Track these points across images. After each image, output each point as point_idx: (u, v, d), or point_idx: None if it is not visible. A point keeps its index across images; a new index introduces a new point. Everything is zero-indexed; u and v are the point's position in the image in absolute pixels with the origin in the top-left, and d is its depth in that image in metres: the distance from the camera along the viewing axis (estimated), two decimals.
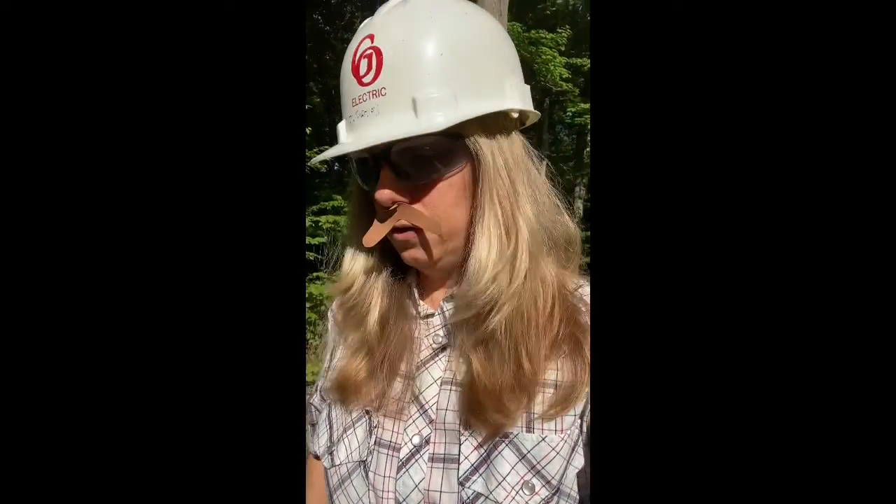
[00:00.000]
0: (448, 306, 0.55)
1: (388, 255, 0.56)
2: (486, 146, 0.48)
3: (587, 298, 0.53)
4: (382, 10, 0.49)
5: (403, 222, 0.49)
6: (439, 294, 0.57)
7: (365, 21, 0.50)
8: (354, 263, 0.56)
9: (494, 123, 0.48)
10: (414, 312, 0.56)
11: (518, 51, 0.55)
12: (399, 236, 0.50)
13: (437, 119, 0.45)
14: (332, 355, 0.63)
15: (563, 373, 0.50)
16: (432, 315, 0.56)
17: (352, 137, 0.48)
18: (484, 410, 0.48)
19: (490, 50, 0.49)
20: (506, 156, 0.49)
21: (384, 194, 0.48)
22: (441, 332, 0.55)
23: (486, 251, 0.47)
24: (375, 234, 0.50)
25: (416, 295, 0.57)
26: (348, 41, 0.51)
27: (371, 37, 0.47)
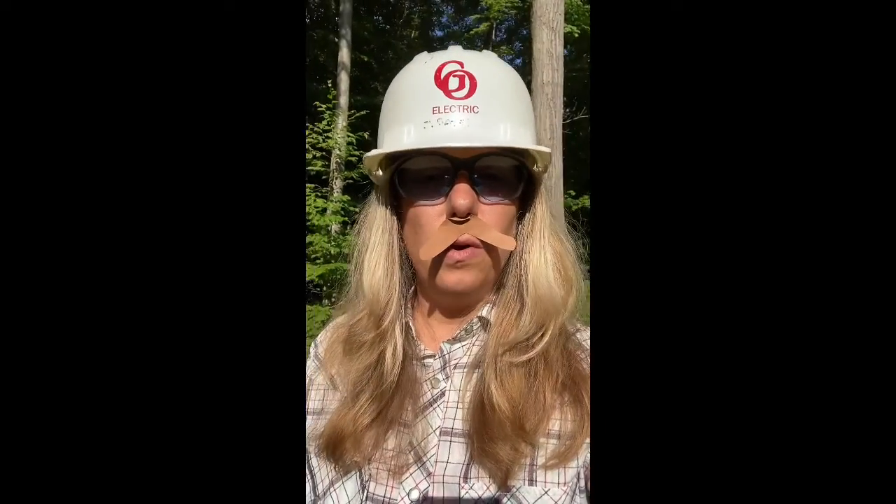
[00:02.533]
0: (451, 347, 0.54)
1: (403, 290, 0.55)
2: (541, 183, 0.55)
3: (585, 344, 0.54)
4: (457, 48, 0.54)
5: (467, 237, 0.49)
6: (439, 335, 0.55)
7: (434, 53, 0.55)
8: (378, 290, 0.53)
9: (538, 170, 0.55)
10: (412, 353, 0.54)
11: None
12: (458, 254, 0.49)
13: (529, 142, 0.52)
14: (309, 395, 0.59)
15: (565, 423, 0.49)
16: (431, 357, 0.54)
17: (434, 138, 0.49)
18: (501, 440, 0.47)
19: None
20: (548, 196, 0.56)
21: (467, 202, 0.48)
22: (440, 377, 0.53)
23: (550, 275, 0.52)
24: (438, 245, 0.49)
25: (415, 334, 0.55)
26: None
27: (460, 63, 0.51)
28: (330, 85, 5.86)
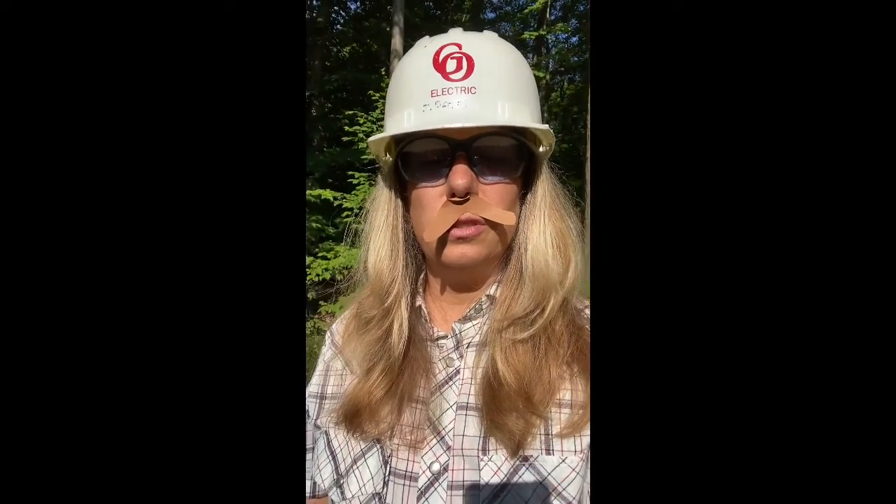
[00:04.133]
0: (462, 327, 0.56)
1: (408, 272, 0.57)
2: (543, 162, 0.55)
3: None
4: (457, 30, 0.55)
5: (469, 215, 0.50)
6: (451, 316, 0.57)
7: (435, 37, 0.55)
8: (382, 268, 0.55)
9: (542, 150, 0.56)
10: (425, 335, 0.56)
11: None
12: (460, 231, 0.50)
13: (528, 120, 0.52)
14: (328, 381, 0.62)
15: (576, 393, 0.51)
16: (444, 337, 0.56)
17: (432, 121, 0.50)
18: (511, 412, 0.48)
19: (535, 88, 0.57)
20: (551, 175, 0.57)
21: (465, 181, 0.48)
22: (454, 356, 0.55)
23: (548, 253, 0.52)
24: (440, 226, 0.50)
25: (426, 316, 0.57)
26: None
27: (458, 45, 0.52)
28: (384, 73, 5.91)
